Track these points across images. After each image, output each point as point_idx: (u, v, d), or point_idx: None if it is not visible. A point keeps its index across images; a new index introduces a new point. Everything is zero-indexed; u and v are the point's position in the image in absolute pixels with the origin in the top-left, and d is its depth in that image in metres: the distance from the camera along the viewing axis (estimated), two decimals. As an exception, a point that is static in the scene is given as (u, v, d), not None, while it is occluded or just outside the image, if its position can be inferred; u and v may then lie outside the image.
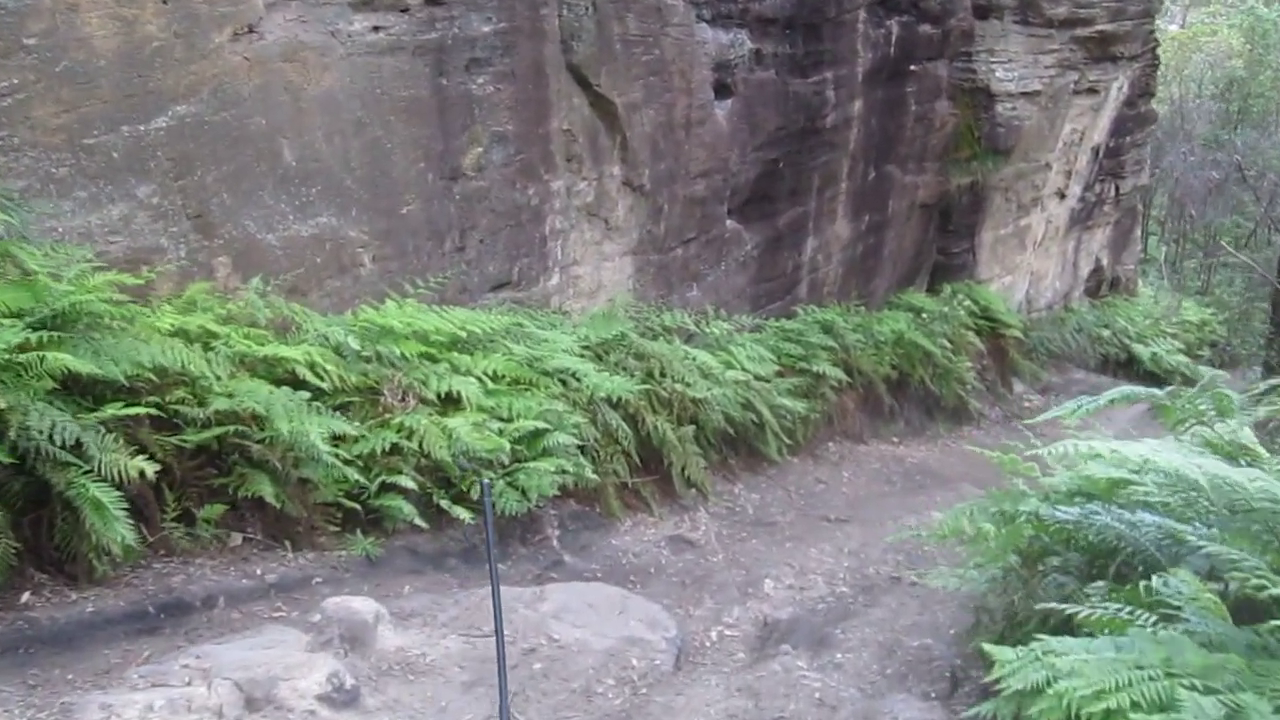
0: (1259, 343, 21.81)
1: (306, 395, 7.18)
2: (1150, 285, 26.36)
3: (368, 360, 8.14)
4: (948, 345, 16.53)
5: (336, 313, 8.86)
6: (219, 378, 6.88)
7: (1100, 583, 5.20)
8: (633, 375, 10.64)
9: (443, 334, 8.99)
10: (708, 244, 13.03)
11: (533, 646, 6.79)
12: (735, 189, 13.22)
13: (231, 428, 6.71)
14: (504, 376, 9.12)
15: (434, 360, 8.90)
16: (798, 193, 14.32)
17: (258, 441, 6.86)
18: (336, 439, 7.32)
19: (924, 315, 16.65)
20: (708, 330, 12.64)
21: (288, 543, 7.10)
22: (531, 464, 8.42)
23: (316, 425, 6.96)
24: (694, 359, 11.59)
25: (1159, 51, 21.84)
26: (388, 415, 7.83)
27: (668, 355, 11.20)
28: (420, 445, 7.72)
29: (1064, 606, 4.87)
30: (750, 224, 13.78)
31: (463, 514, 7.79)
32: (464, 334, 9.13)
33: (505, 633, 6.76)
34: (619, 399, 9.98)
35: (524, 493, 8.25)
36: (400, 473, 7.58)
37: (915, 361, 15.92)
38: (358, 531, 7.51)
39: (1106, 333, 21.68)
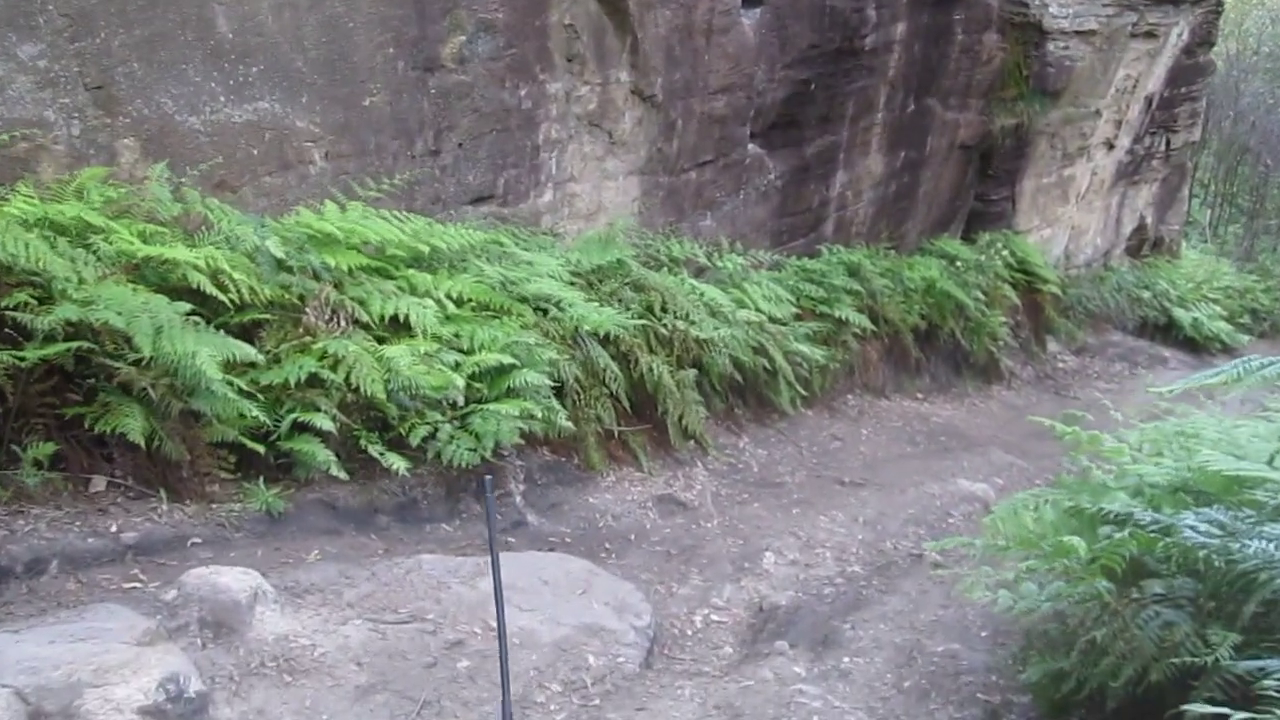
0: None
1: (186, 308, 5.50)
2: (1192, 248, 24.46)
3: (290, 271, 6.49)
4: (981, 297, 14.78)
5: (275, 215, 7.24)
6: (83, 281, 5.25)
7: (1231, 633, 3.53)
8: (628, 308, 8.99)
9: (399, 246, 7.36)
10: (725, 169, 11.31)
11: (461, 638, 5.21)
12: (760, 110, 11.48)
13: (86, 344, 5.09)
14: (470, 301, 7.49)
15: (387, 277, 7.28)
16: (829, 120, 12.56)
17: (131, 363, 5.25)
18: (236, 366, 5.70)
19: (958, 264, 14.89)
20: (720, 264, 10.96)
21: (163, 491, 5.48)
22: (491, 406, 6.80)
23: (206, 346, 5.33)
24: (702, 294, 9.92)
25: (1223, -3, 19.81)
26: (309, 339, 6.20)
27: (672, 289, 9.54)
28: (348, 378, 6.10)
29: (1192, 659, 3.23)
30: (775, 151, 12.05)
31: (397, 463, 6.17)
32: (426, 248, 7.50)
33: (429, 617, 5.22)
34: (608, 334, 8.34)
35: (479, 439, 6.64)
36: (318, 410, 5.94)
37: (946, 313, 14.20)
38: (259, 480, 5.89)
39: (1147, 294, 19.84)
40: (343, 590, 5.26)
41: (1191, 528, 3.70)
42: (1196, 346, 20.20)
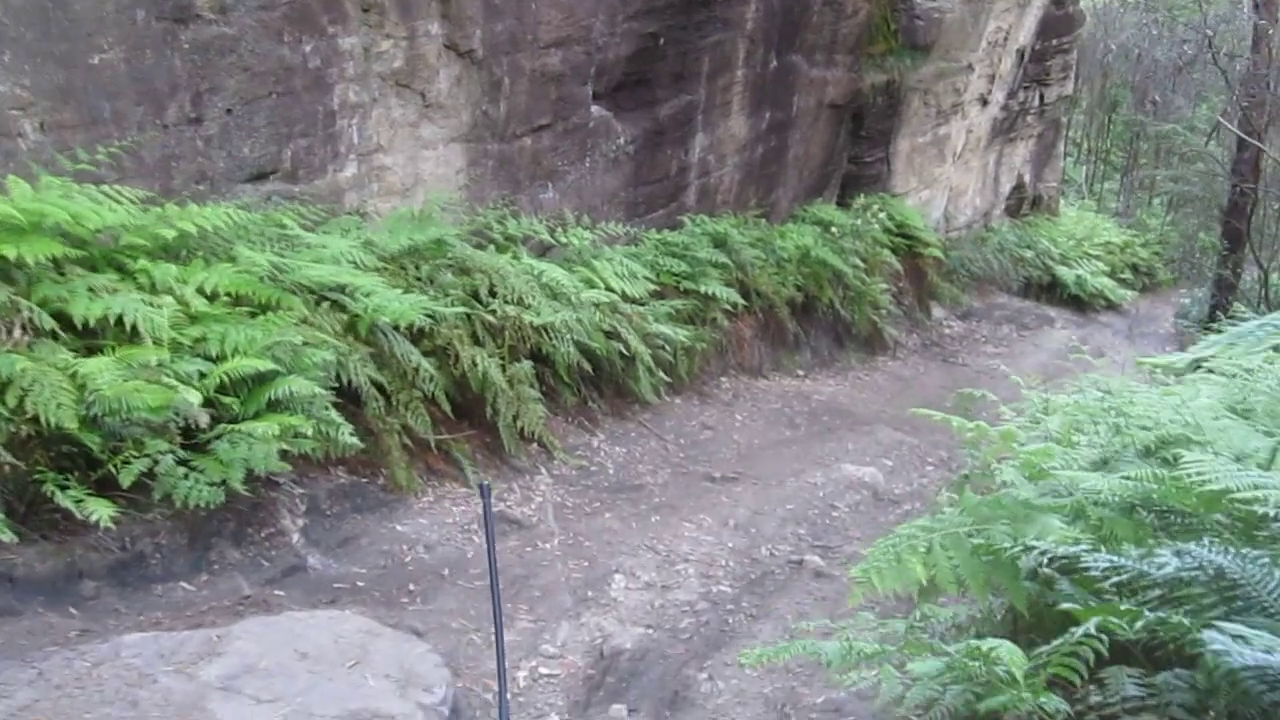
0: (1188, 265, 19.02)
1: None
2: (1070, 206, 23.51)
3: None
4: (860, 265, 13.46)
5: (-33, 201, 5.54)
6: None
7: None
8: (446, 294, 7.43)
9: (137, 233, 5.72)
10: (567, 134, 9.77)
11: (155, 757, 3.63)
12: (603, 68, 9.95)
13: None
14: (228, 295, 5.86)
15: (119, 269, 5.63)
16: (683, 78, 11.08)
17: None
18: None
19: (834, 230, 13.54)
20: (564, 240, 9.43)
21: None
22: (245, 426, 5.19)
23: None
24: (540, 275, 8.39)
25: (1088, -53, 18.75)
26: (-39, 356, 4.53)
27: (503, 270, 7.99)
28: (20, 404, 4.45)
29: None
30: (624, 113, 10.54)
31: (100, 512, 4.51)
32: (172, 234, 5.85)
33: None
34: (419, 327, 6.77)
35: (226, 468, 5.04)
36: (-29, 449, 4.30)
37: (823, 282, 12.84)
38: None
39: (1029, 254, 18.77)
40: (-17, 705, 3.64)
41: (1222, 639, 2.18)
42: (1081, 304, 19.21)
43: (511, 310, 7.68)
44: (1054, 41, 18.37)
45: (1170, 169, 22.98)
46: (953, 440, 11.44)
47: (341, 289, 6.58)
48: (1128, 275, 21.22)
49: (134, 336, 5.16)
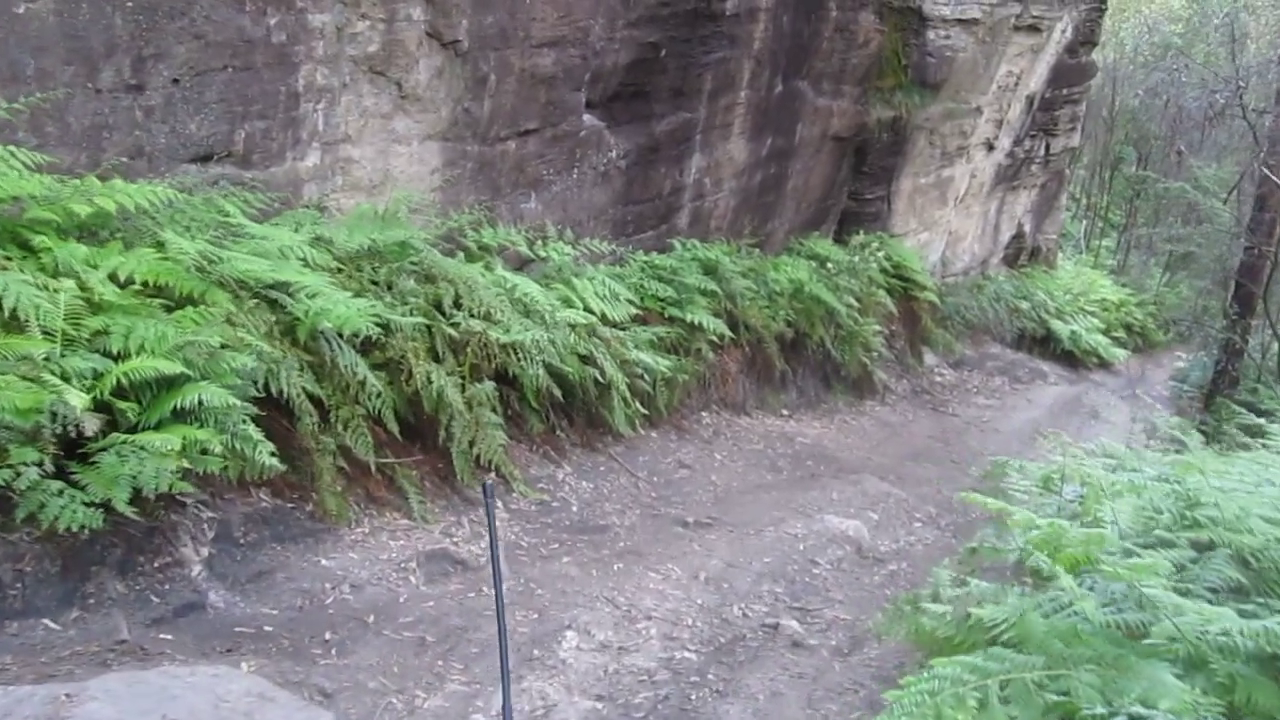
0: (1186, 327, 18.27)
1: None
2: (1068, 260, 22.81)
3: None
4: (854, 304, 12.70)
5: None
6: None
7: None
8: (405, 303, 6.61)
9: (47, 207, 4.90)
10: (555, 141, 8.97)
11: None
12: (598, 74, 9.17)
13: None
14: (145, 284, 5.02)
15: (22, 246, 4.80)
16: (683, 94, 10.31)
17: None
18: None
19: (829, 266, 12.77)
20: (543, 254, 8.63)
21: None
22: (142, 437, 4.35)
23: None
24: (513, 289, 7.58)
25: (1107, -4, 18.03)
26: None
27: (471, 280, 7.18)
28: None
29: None
30: (618, 126, 9.75)
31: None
32: (86, 210, 5.03)
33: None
34: (367, 336, 5.94)
35: (112, 486, 4.19)
36: None
37: (815, 319, 12.06)
38: None
39: (1025, 305, 18.02)
40: None
41: None
42: (1074, 360, 18.47)
43: (477, 325, 6.86)
44: (1064, 91, 17.69)
45: (1170, 228, 22.26)
46: (941, 495, 10.68)
47: (282, 287, 5.75)
48: (1121, 334, 20.48)
49: (18, 324, 4.32)
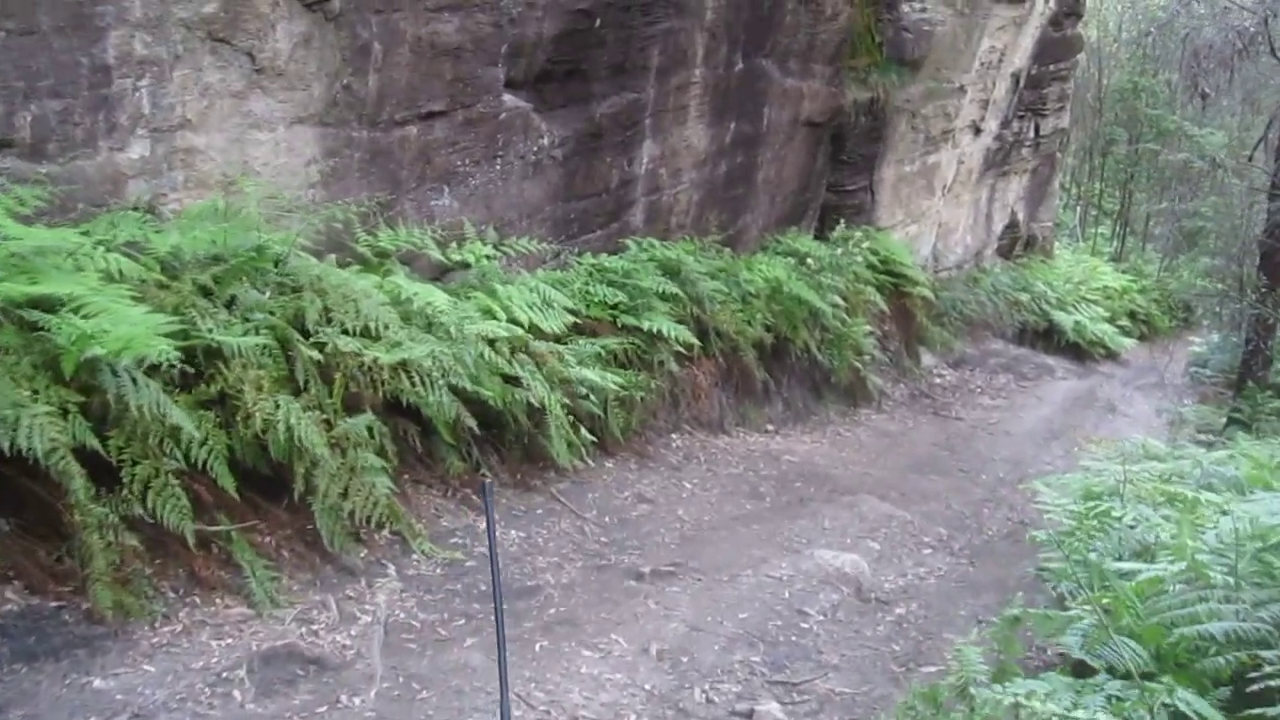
0: (1211, 302, 16.47)
1: None
2: (1065, 249, 21.09)
3: None
4: (841, 303, 10.98)
5: None
6: None
7: None
8: (245, 319, 4.92)
9: None
10: (469, 126, 7.30)
11: None
12: (519, 47, 7.51)
13: None
14: None
15: None
16: (626, 72, 8.64)
17: None
18: None
19: (810, 263, 11.06)
20: (456, 258, 6.96)
21: None
22: None
23: None
24: (412, 300, 5.89)
25: (1090, -38, 16.38)
26: None
27: (348, 290, 5.48)
28: None
29: None
30: (551, 110, 8.09)
31: None
32: None
33: None
34: (183, 367, 4.25)
35: None
36: None
37: (798, 322, 10.35)
38: None
39: (1025, 297, 16.30)
40: None
41: None
42: (1080, 352, 16.74)
43: (350, 344, 5.17)
44: (1051, 67, 16.03)
45: (1176, 203, 20.43)
46: (951, 511, 8.98)
47: (47, 304, 4.07)
48: (1126, 322, 18.77)
49: None
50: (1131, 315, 19.53)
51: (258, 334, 4.88)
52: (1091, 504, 4.61)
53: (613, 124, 8.63)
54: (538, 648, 4.78)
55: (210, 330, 4.64)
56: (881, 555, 7.05)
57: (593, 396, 7.17)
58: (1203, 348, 16.54)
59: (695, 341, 8.68)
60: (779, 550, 6.72)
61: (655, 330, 8.25)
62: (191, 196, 5.71)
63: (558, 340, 7.16)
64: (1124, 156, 23.72)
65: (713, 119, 9.90)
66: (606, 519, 6.74)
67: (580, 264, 8.35)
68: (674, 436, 8.72)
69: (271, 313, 5.11)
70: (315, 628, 4.46)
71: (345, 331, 5.25)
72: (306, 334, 5.18)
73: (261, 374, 4.74)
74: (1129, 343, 17.92)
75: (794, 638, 5.48)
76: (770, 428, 10.03)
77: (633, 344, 8.09)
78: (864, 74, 12.47)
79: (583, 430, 6.98)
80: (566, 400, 6.85)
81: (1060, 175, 19.78)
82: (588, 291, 7.94)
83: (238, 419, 4.61)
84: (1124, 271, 20.71)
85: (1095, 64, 21.86)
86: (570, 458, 6.86)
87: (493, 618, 5.09)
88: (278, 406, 4.65)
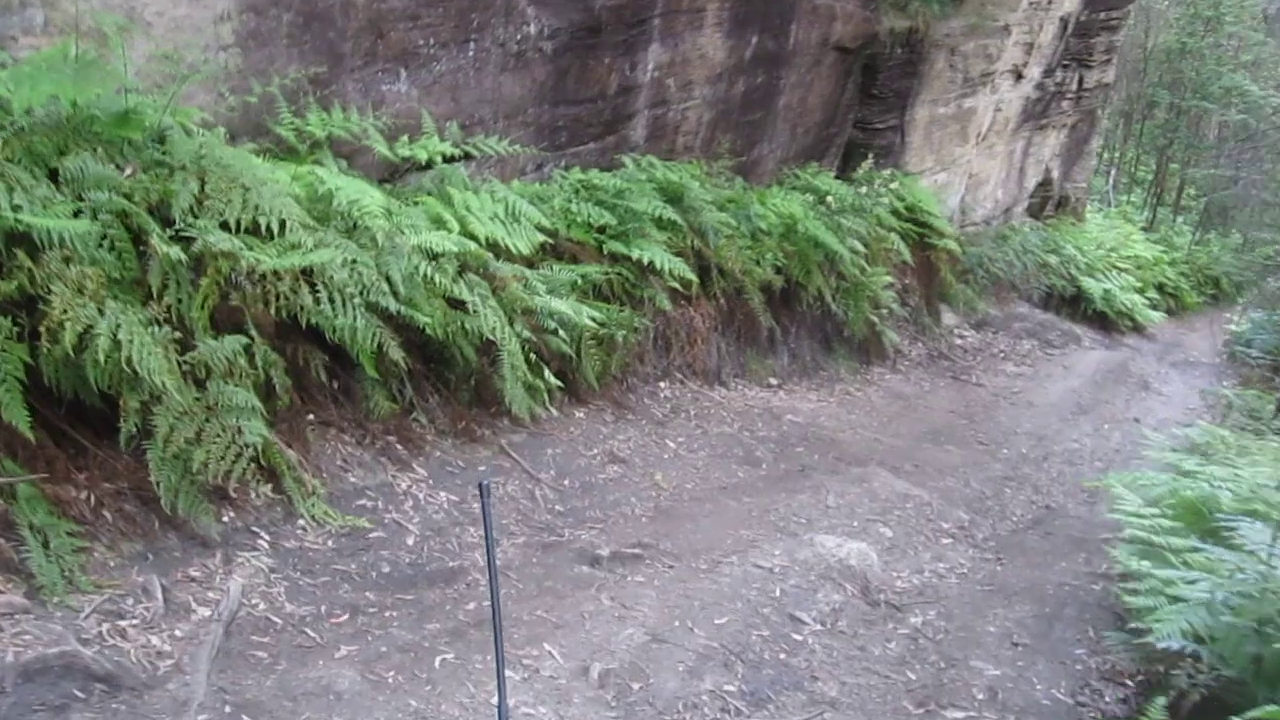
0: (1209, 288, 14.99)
1: None
2: (1097, 213, 19.52)
3: None
4: (861, 249, 9.52)
5: None
6: None
7: None
8: (79, 199, 3.54)
9: None
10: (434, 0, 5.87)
11: None
12: (504, -88, 6.05)
13: None
14: None
15: None
16: (634, -41, 7.19)
17: None
18: None
19: (830, 202, 9.61)
20: (405, 153, 5.56)
21: None
22: None
23: None
24: (332, 193, 4.50)
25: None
26: None
27: (236, 173, 4.08)
28: None
29: None
30: (541, -5, 6.65)
31: None
32: None
33: None
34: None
35: None
36: None
37: (812, 266, 8.93)
38: None
39: (1054, 260, 14.78)
40: None
41: None
42: (1106, 322, 15.24)
43: (223, 241, 3.79)
44: (1102, 15, 14.40)
45: (1224, 168, 18.71)
46: (971, 490, 7.65)
47: None
48: (1154, 295, 17.26)
49: None
50: (1160, 288, 18.00)
51: (95, 219, 3.51)
52: (1196, 521, 3.23)
53: (615, 19, 7.17)
54: (438, 662, 3.45)
55: (16, 208, 3.26)
56: (894, 544, 5.72)
57: (563, 333, 5.80)
58: (1244, 326, 15.04)
59: (694, 278, 7.29)
60: (772, 532, 5.40)
61: (647, 261, 6.86)
62: (54, 44, 4.31)
63: (528, 264, 5.78)
64: (1163, 122, 21.97)
65: (732, 28, 8.42)
66: (566, 482, 5.39)
67: (565, 178, 6.94)
68: (662, 385, 7.36)
69: (127, 195, 3.73)
70: (123, 624, 3.13)
71: (224, 226, 3.87)
72: (172, 225, 3.80)
73: (89, 272, 3.37)
74: (1157, 316, 16.42)
75: (782, 655, 4.16)
76: (773, 382, 8.66)
77: (619, 275, 6.71)
78: (903, 1, 10.95)
79: (547, 372, 5.61)
80: (530, 335, 5.49)
81: (1099, 136, 18.14)
82: (569, 209, 6.54)
83: (51, 331, 3.25)
84: (1155, 242, 19.14)
85: (1143, 21, 20.12)
86: (529, 404, 5.50)
87: (389, 614, 3.77)
88: (101, 315, 3.29)
